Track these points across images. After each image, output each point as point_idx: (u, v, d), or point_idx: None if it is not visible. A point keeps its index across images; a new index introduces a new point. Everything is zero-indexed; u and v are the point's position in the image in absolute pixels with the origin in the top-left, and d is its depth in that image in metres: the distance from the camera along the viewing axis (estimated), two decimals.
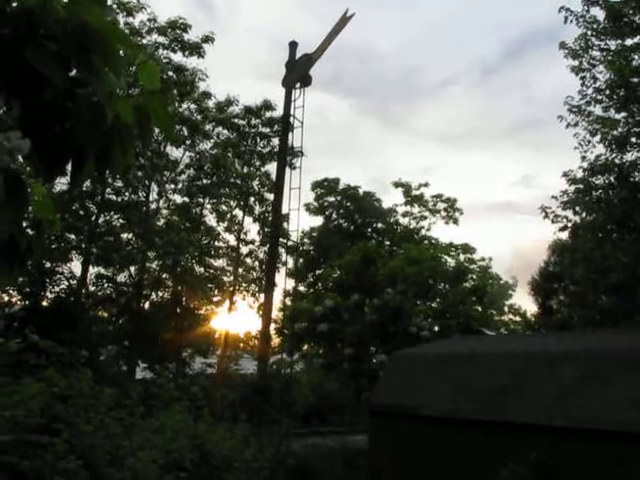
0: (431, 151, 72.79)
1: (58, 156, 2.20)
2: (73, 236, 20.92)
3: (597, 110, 19.25)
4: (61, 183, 17.80)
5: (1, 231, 2.21)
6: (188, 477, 7.53)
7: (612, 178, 19.20)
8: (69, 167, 2.29)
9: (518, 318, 34.07)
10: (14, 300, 19.14)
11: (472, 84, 71.75)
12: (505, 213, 74.87)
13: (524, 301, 65.60)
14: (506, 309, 32.91)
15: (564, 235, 23.48)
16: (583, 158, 19.56)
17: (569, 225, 20.88)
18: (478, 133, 72.87)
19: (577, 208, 20.06)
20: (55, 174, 2.27)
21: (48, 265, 20.04)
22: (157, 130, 2.69)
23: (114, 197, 21.66)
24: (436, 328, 24.77)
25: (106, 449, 7.22)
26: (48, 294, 20.19)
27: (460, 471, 11.32)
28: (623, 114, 18.79)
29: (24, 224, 2.59)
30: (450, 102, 70.17)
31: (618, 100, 18.57)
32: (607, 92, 18.80)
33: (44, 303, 19.82)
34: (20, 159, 2.18)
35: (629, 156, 18.86)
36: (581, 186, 19.66)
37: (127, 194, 21.91)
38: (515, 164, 73.12)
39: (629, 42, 18.37)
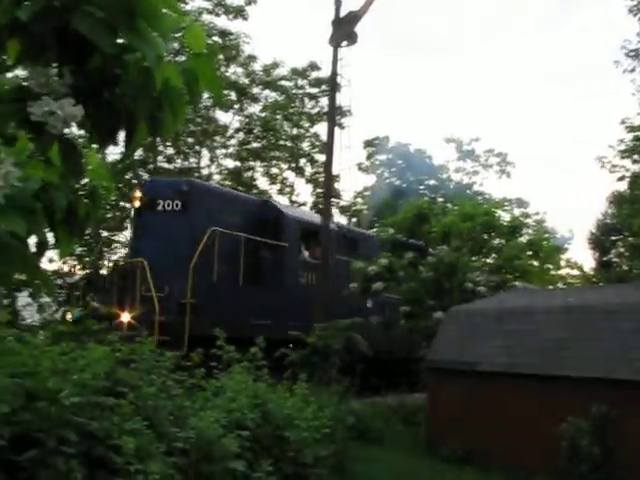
0: (484, 104, 71.48)
1: (110, 123, 2.23)
2: (128, 205, 21.26)
3: None
4: (113, 153, 18.06)
5: (61, 198, 2.25)
6: (250, 435, 7.66)
7: None
8: (121, 136, 2.32)
9: (576, 272, 33.55)
10: (74, 270, 19.61)
11: (524, 32, 69.98)
12: (561, 166, 73.36)
13: (583, 255, 64.53)
14: (563, 263, 32.43)
15: (622, 186, 22.94)
16: None
17: (627, 175, 20.38)
18: (530, 83, 71.19)
19: (636, 156, 19.53)
20: (108, 141, 2.30)
21: (105, 234, 20.45)
22: (206, 96, 2.70)
23: (166, 164, 21.89)
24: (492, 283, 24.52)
25: (169, 410, 7.40)
26: (106, 263, 20.62)
27: (519, 426, 11.30)
28: None
29: (81, 192, 2.64)
30: (502, 52, 68.71)
31: None
32: None
33: (103, 271, 20.25)
34: (75, 128, 2.21)
35: None
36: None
37: (179, 161, 22.13)
38: (570, 115, 71.27)
39: None
